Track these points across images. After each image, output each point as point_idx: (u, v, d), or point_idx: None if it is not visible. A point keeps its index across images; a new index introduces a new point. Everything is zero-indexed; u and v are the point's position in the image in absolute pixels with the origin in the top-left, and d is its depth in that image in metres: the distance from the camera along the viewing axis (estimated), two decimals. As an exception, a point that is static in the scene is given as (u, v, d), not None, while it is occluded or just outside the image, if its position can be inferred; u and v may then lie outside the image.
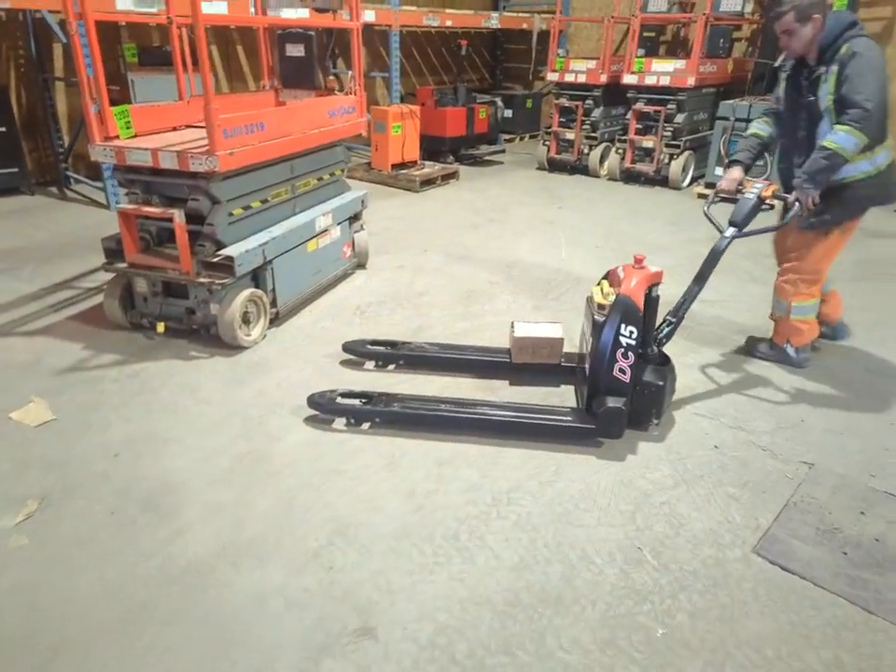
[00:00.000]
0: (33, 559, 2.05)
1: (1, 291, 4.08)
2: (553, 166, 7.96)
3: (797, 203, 2.92)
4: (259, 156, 3.37)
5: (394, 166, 7.24)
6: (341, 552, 2.13)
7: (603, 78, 7.13)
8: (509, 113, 9.67)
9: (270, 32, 4.38)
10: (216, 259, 3.25)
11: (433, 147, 8.23)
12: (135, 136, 3.46)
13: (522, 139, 10.04)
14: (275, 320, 3.74)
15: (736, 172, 3.17)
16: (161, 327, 3.48)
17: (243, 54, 7.98)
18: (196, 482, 2.43)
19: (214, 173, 3.10)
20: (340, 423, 2.81)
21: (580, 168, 7.73)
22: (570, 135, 7.63)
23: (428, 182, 7.12)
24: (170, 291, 3.52)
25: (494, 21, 8.80)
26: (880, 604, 1.97)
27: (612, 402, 2.61)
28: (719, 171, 6.48)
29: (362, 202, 4.54)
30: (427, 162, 7.60)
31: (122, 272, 3.41)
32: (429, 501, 2.37)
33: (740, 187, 3.10)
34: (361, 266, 4.69)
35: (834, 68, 2.77)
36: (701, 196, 6.68)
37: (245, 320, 3.45)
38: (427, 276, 4.59)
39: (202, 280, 3.26)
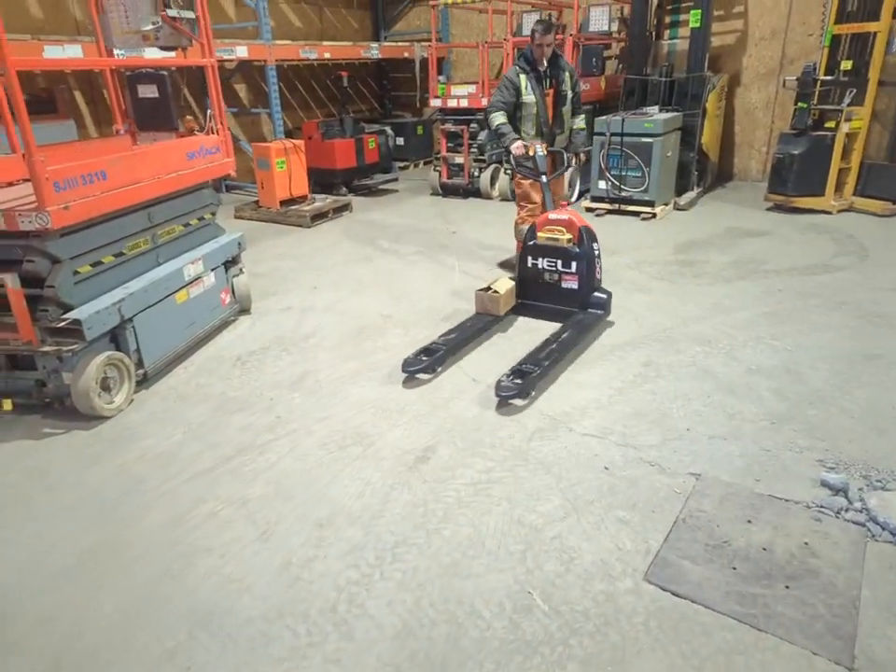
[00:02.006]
0: None
1: None
2: (447, 191, 7.98)
3: (574, 159, 4.48)
4: (104, 207, 3.10)
5: (283, 202, 7.01)
6: (202, 647, 1.89)
7: (484, 102, 7.22)
8: (400, 141, 9.70)
9: (119, 73, 4.12)
10: (61, 325, 2.94)
11: (324, 181, 8.08)
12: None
13: (416, 165, 10.06)
14: (144, 382, 3.43)
15: (518, 142, 4.23)
16: (7, 404, 3.11)
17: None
18: (29, 585, 2.11)
19: (47, 230, 2.80)
20: (208, 493, 2.56)
21: (472, 191, 7.78)
22: (460, 159, 7.68)
23: (320, 216, 6.94)
24: (15, 363, 3.15)
25: (374, 51, 8.81)
26: (769, 619, 1.94)
27: (604, 293, 3.99)
28: (602, 184, 6.68)
29: (239, 244, 4.31)
30: (318, 196, 7.43)
31: (-48, 348, 3.02)
32: (306, 572, 2.16)
33: (526, 149, 4.22)
34: (245, 311, 4.44)
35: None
36: (589, 210, 6.86)
37: (105, 387, 3.14)
38: (316, 316, 4.40)
39: (46, 349, 2.93)
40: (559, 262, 3.95)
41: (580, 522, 2.36)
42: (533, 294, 4.13)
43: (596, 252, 3.94)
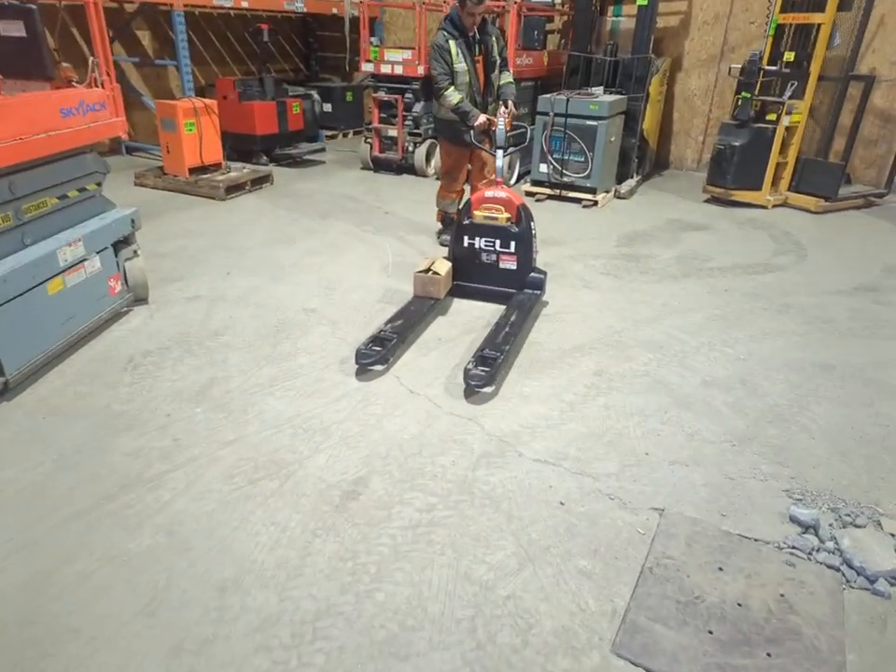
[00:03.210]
0: None
1: None
2: (379, 165, 7.42)
3: (526, 127, 4.44)
4: (-60, 175, 2.42)
5: (192, 170, 6.25)
6: None
7: (420, 70, 6.70)
8: (328, 107, 9.00)
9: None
10: None
11: (242, 147, 7.33)
12: None
13: (345, 135, 9.39)
14: (4, 393, 2.80)
15: (482, 116, 4.10)
16: None
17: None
18: None
19: None
20: (80, 545, 2.04)
21: (406, 167, 7.27)
22: (393, 132, 7.13)
23: (236, 188, 6.23)
24: None
25: (299, 4, 8.01)
26: (754, 698, 1.69)
27: (540, 273, 3.89)
28: (543, 167, 6.36)
29: (131, 221, 3.66)
30: (234, 165, 6.69)
31: None
32: (203, 660, 1.71)
33: (489, 123, 4.10)
34: (141, 301, 3.81)
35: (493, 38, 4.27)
36: (529, 194, 6.54)
37: (-50, 402, 2.51)
38: (228, 308, 3.83)
39: None
40: (497, 242, 3.81)
41: (536, 575, 2.03)
42: (469, 275, 3.95)
43: (534, 231, 3.81)
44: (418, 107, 6.99)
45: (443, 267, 3.83)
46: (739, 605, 1.95)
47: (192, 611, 1.84)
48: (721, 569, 2.08)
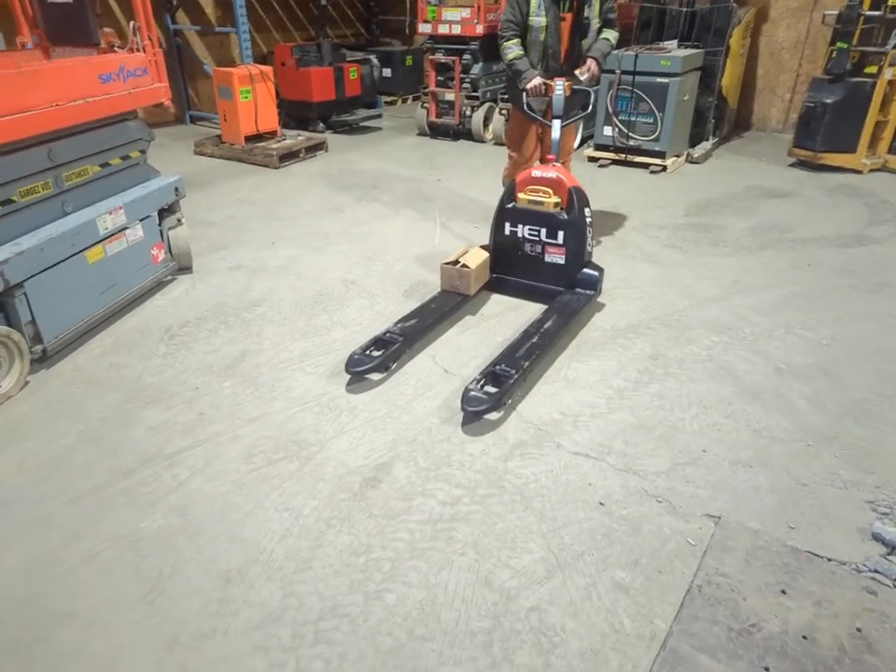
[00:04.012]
0: None
1: None
2: (435, 131, 7.15)
3: (590, 66, 3.51)
4: (-30, 141, 2.39)
5: (248, 138, 6.20)
6: None
7: (479, 29, 6.33)
8: (387, 72, 8.75)
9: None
10: (-84, 293, 2.29)
11: (299, 114, 7.23)
12: None
13: (404, 101, 9.14)
14: (43, 360, 2.81)
15: (537, 79, 3.46)
16: None
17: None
18: None
19: None
20: (88, 525, 1.99)
21: (463, 132, 6.96)
22: (450, 96, 6.82)
23: (290, 156, 6.14)
24: None
25: (359, -36, 7.73)
26: (815, 754, 1.43)
27: (595, 270, 3.27)
28: (608, 130, 5.91)
29: (176, 189, 3.60)
30: (289, 133, 6.60)
31: None
32: (197, 657, 1.62)
33: (546, 88, 3.45)
34: (184, 270, 3.77)
35: None
36: (592, 159, 6.12)
37: (-14, 370, 2.52)
38: (269, 278, 3.74)
39: None
40: (543, 231, 3.24)
41: (566, 586, 1.81)
42: (510, 268, 3.43)
43: (588, 220, 3.24)
44: (476, 69, 6.64)
45: (477, 258, 3.32)
46: (804, 638, 1.67)
47: (193, 602, 1.75)
48: (784, 592, 1.80)
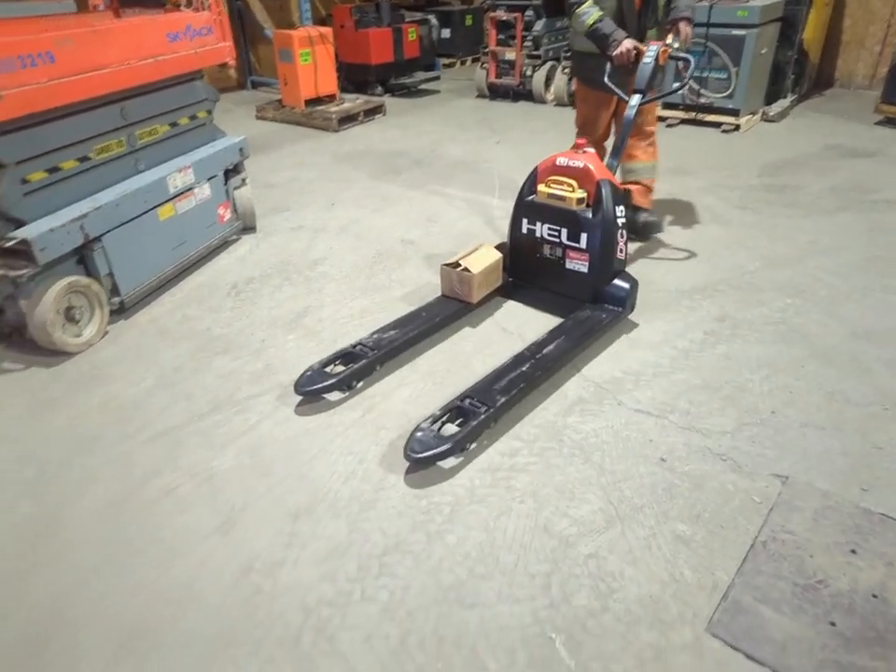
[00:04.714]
0: None
1: None
2: (495, 93, 7.02)
3: (690, 60, 2.91)
4: (52, 98, 2.50)
5: (308, 102, 6.26)
6: None
7: (542, -16, 6.14)
8: (446, 33, 8.61)
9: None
10: (8, 245, 2.45)
11: (357, 78, 7.23)
12: None
13: (463, 63, 8.98)
14: (121, 312, 2.96)
15: (628, 42, 2.93)
16: (-36, 332, 2.69)
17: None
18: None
19: (-24, 126, 2.25)
20: (165, 463, 2.11)
21: (523, 93, 6.81)
22: (511, 55, 6.66)
23: (349, 119, 6.17)
24: (-30, 285, 2.71)
25: (418, -79, 7.57)
26: (883, 710, 1.40)
27: (625, 281, 2.71)
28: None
29: (240, 150, 3.68)
30: (348, 96, 6.62)
31: None
32: (270, 581, 1.71)
33: (635, 52, 2.95)
34: (248, 230, 3.88)
35: None
36: (660, 118, 5.86)
37: (71, 318, 2.68)
38: (329, 238, 3.80)
39: (-9, 273, 2.46)
40: (563, 231, 2.71)
41: (625, 536, 1.82)
42: (527, 272, 2.94)
43: (620, 221, 2.67)
44: (539, 26, 6.45)
45: (484, 260, 2.80)
46: (874, 596, 1.63)
47: (265, 535, 1.84)
48: (853, 552, 1.74)
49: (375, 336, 2.57)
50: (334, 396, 2.37)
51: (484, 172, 4.82)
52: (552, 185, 2.73)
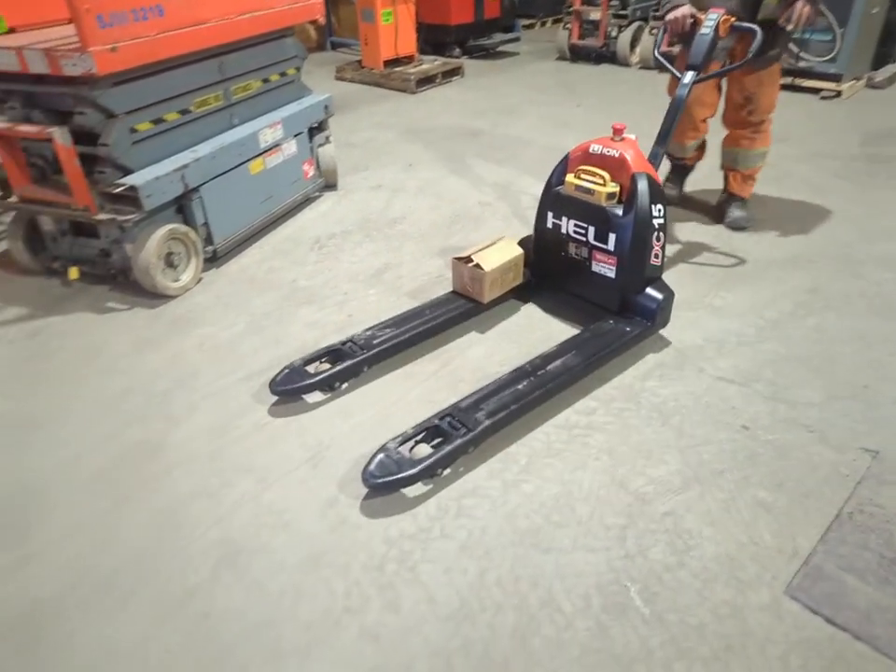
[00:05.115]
0: None
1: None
2: (576, 55, 6.82)
3: (756, 31, 2.47)
4: (161, 51, 2.62)
5: (387, 63, 6.27)
6: (225, 591, 1.61)
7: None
8: (527, -7, 8.37)
9: None
10: (118, 191, 2.61)
11: (436, 39, 7.16)
12: (10, 32, 2.74)
13: (543, 24, 8.76)
14: (214, 260, 3.12)
15: (686, 7, 2.69)
16: (73, 272, 2.90)
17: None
18: (63, 486, 1.92)
19: (93, 76, 2.39)
20: (258, 400, 2.24)
21: (607, 56, 6.59)
22: (595, 15, 6.44)
23: (426, 81, 6.15)
24: (81, 230, 2.91)
25: None
26: (973, 686, 1.36)
27: (658, 291, 2.37)
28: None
29: (325, 108, 3.75)
30: (426, 58, 6.59)
31: (13, 207, 2.81)
32: (355, 513, 1.81)
33: (691, 21, 2.68)
34: (330, 187, 3.97)
35: None
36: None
37: (170, 263, 2.85)
38: (408, 198, 3.85)
39: (102, 217, 2.64)
40: (591, 230, 2.39)
41: (703, 497, 1.81)
42: (551, 271, 2.64)
43: (656, 221, 2.31)
44: (627, -17, 6.19)
45: (500, 256, 2.52)
46: (969, 577, 1.57)
47: (349, 470, 1.94)
48: (948, 532, 1.68)
49: (369, 333, 2.36)
50: (314, 397, 2.21)
51: (563, 136, 4.73)
52: (581, 175, 2.39)
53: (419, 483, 1.84)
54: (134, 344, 2.57)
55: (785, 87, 5.40)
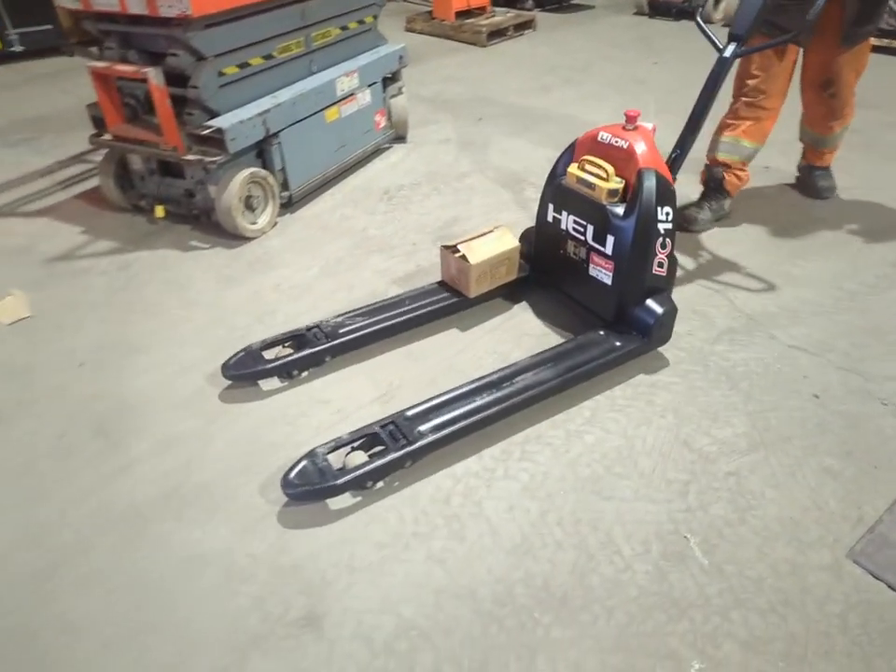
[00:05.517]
0: (-40, 492, 1.81)
1: (14, 165, 3.77)
2: (655, 10, 6.54)
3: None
4: (250, -5, 2.67)
5: (458, 14, 6.16)
6: (303, 508, 1.74)
7: None
8: (606, -57, 7.98)
9: None
10: (205, 132, 2.71)
11: (509, -10, 6.96)
12: (108, -26, 2.83)
13: (621, -23, 8.35)
14: (288, 206, 3.22)
15: None
16: (159, 210, 3.04)
17: None
18: (157, 405, 2.07)
19: (188, 18, 2.46)
20: (334, 338, 2.34)
21: (688, 11, 6.28)
22: (679, -32, 6.13)
23: (498, 34, 6.03)
24: (167, 169, 3.04)
25: None
26: None
27: (659, 304, 2.09)
28: (874, 9, 4.96)
29: (400, 58, 3.75)
30: (498, 9, 6.43)
31: (108, 145, 2.95)
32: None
33: None
34: (400, 139, 3.99)
35: None
36: (878, 49, 5.22)
37: (249, 206, 2.95)
38: (476, 152, 3.84)
39: (189, 158, 2.75)
40: (589, 229, 2.14)
41: (768, 461, 1.83)
42: (549, 269, 2.42)
43: (663, 227, 2.03)
44: (717, -66, 5.84)
45: (492, 248, 2.31)
46: None
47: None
48: None
49: (338, 320, 2.24)
50: (270, 384, 2.12)
51: (638, 94, 4.60)
52: (585, 167, 2.14)
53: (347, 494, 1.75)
54: (216, 281, 2.71)
55: (878, 48, 5.08)
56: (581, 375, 2.02)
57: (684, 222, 2.88)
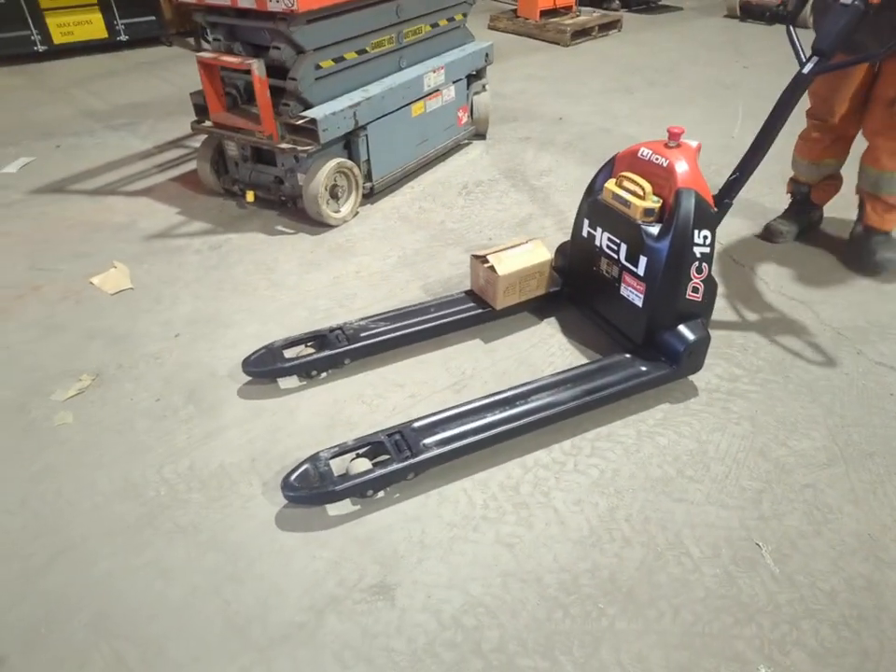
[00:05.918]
0: (69, 442, 1.98)
1: (116, 148, 4.05)
2: (747, 13, 6.33)
3: None
4: (350, -9, 2.78)
5: (543, 13, 6.15)
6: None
7: None
8: (699, -58, 7.78)
9: None
10: (299, 122, 2.84)
11: (595, -10, 6.90)
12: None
13: (712, -22, 8.12)
14: (370, 196, 3.33)
15: None
16: (250, 195, 3.21)
17: None
18: (245, 377, 2.20)
19: (293, 13, 2.59)
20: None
21: (781, 15, 6.06)
22: (776, -31, 5.91)
23: (582, 33, 5.99)
24: (260, 157, 3.20)
25: None
26: None
27: (691, 331, 2.00)
28: None
29: (486, 55, 3.80)
30: (584, 9, 6.38)
31: (207, 131, 3.14)
32: (493, 437, 1.95)
33: None
34: (480, 136, 4.05)
35: None
36: None
37: (334, 195, 3.08)
38: (555, 152, 3.85)
39: (283, 146, 2.89)
40: (623, 248, 2.08)
41: (848, 476, 1.78)
42: (581, 286, 2.37)
43: (699, 250, 1.93)
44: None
45: (523, 260, 2.27)
46: None
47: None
48: None
49: (361, 324, 2.23)
50: (290, 382, 2.14)
51: (726, 98, 4.48)
52: (623, 183, 2.06)
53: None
54: (300, 265, 2.84)
55: None
56: (599, 400, 1.94)
57: (769, 234, 2.85)
